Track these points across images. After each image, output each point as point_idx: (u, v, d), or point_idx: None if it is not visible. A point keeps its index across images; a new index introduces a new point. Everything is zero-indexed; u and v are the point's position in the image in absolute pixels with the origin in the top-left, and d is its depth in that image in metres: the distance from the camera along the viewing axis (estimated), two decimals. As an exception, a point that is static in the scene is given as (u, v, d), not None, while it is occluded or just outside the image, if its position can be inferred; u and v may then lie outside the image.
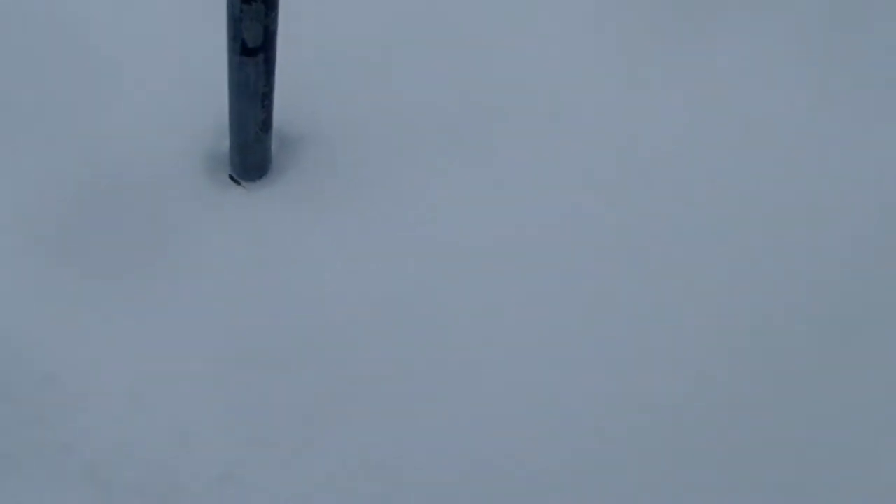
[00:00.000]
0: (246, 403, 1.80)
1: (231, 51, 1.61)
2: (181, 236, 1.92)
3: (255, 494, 1.73)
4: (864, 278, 2.04)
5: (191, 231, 1.93)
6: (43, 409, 1.75)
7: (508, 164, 2.12)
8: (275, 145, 2.00)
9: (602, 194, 2.08)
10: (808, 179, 2.16)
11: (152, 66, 2.12)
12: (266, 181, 2.02)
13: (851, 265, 2.05)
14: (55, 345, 1.80)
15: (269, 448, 1.77)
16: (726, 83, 2.28)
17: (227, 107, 1.80)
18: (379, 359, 1.86)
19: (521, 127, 2.17)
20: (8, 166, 1.98)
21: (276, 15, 1.54)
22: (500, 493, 1.76)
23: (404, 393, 1.83)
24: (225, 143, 1.99)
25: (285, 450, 1.77)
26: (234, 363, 1.82)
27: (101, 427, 1.74)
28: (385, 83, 2.19)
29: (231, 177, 2.01)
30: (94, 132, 2.01)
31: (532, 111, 2.19)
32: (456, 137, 2.14)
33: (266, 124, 1.82)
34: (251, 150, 1.90)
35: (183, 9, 2.19)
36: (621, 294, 1.97)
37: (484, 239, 2.01)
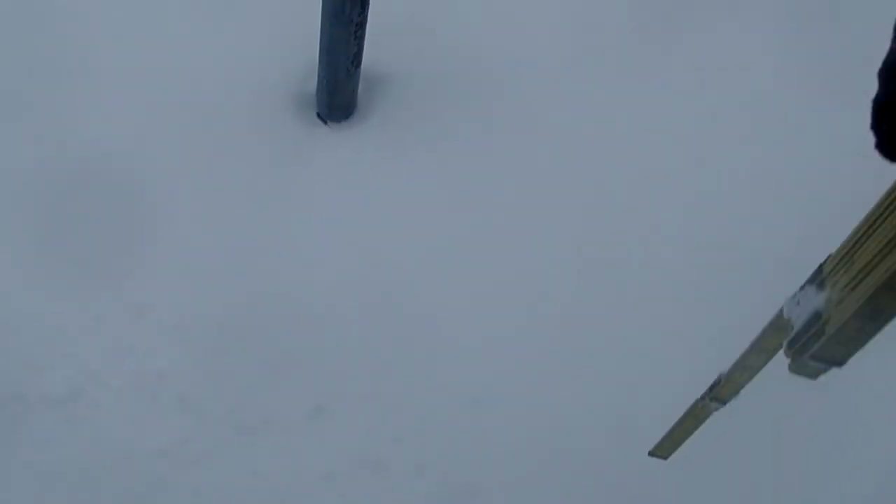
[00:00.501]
0: (340, 340, 1.80)
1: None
2: (270, 172, 1.93)
3: (346, 428, 1.73)
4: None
5: (278, 168, 1.94)
6: (135, 340, 1.77)
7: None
8: (361, 87, 1.99)
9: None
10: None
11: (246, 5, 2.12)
12: (351, 122, 2.01)
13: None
14: (148, 279, 1.82)
15: (359, 383, 1.77)
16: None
17: (318, 42, 1.79)
18: (456, 293, 1.86)
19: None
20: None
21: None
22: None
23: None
24: (313, 84, 1.98)
25: (375, 385, 1.77)
26: (325, 294, 1.83)
27: (193, 359, 1.76)
28: (478, 34, 2.15)
29: (318, 115, 2.00)
30: (190, 67, 2.02)
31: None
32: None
33: (357, 59, 1.80)
34: (340, 88, 1.89)
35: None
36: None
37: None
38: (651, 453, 1.65)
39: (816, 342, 1.11)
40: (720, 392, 1.49)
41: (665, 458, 1.64)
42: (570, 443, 1.75)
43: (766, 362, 1.38)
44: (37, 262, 1.79)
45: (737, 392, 1.50)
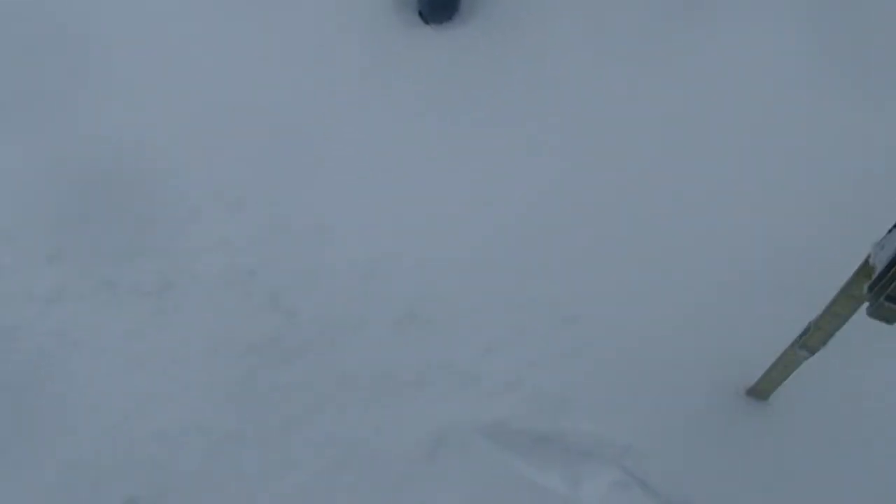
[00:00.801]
0: (432, 245, 1.80)
1: None
2: (371, 67, 1.93)
3: (437, 336, 1.73)
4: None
5: (378, 64, 1.93)
6: (229, 233, 1.79)
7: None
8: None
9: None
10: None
11: None
12: (452, 24, 1.97)
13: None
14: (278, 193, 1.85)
15: (451, 292, 1.76)
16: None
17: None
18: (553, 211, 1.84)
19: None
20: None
21: None
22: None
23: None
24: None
25: (469, 293, 1.76)
26: (419, 204, 1.84)
27: (286, 256, 1.77)
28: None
29: (420, 14, 1.96)
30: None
31: None
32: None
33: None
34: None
35: None
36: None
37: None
38: (749, 392, 1.68)
39: (894, 281, 1.11)
40: (808, 340, 1.49)
41: (764, 399, 1.67)
42: (660, 365, 1.71)
43: (853, 310, 1.36)
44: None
45: (825, 341, 1.46)
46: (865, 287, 1.24)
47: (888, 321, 1.20)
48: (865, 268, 1.27)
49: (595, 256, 1.79)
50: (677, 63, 1.98)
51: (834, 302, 1.42)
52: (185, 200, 1.82)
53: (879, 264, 1.19)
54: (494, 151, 1.88)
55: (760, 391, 1.67)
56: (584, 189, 1.84)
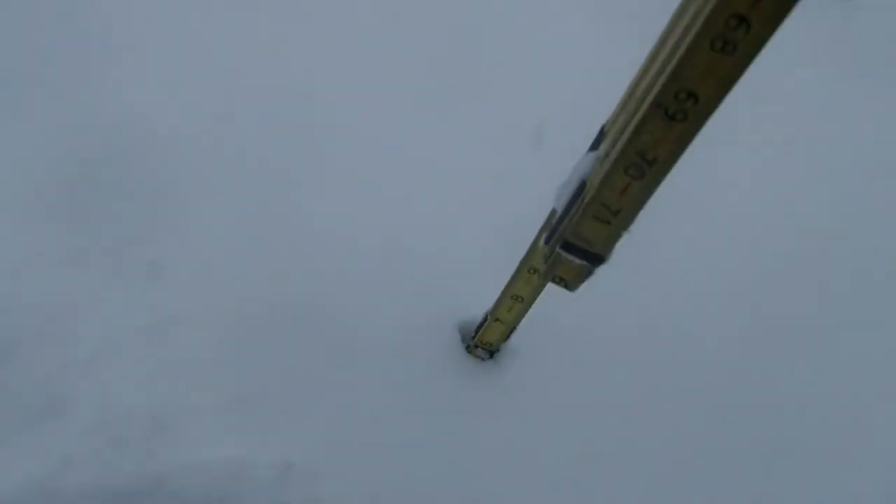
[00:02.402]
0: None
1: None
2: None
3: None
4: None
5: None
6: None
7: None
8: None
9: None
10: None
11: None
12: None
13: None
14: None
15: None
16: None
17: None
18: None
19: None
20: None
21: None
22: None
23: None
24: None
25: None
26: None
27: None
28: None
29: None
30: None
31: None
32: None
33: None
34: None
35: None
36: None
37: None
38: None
39: (575, 217, 0.96)
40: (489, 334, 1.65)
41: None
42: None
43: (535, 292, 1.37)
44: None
45: (508, 334, 1.59)
46: (542, 241, 1.12)
47: (567, 286, 1.04)
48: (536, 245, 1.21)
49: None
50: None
51: (511, 283, 1.42)
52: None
53: (560, 207, 1.04)
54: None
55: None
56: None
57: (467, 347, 1.82)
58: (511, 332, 1.67)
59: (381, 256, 2.00)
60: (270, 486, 1.71)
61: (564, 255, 0.99)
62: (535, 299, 1.47)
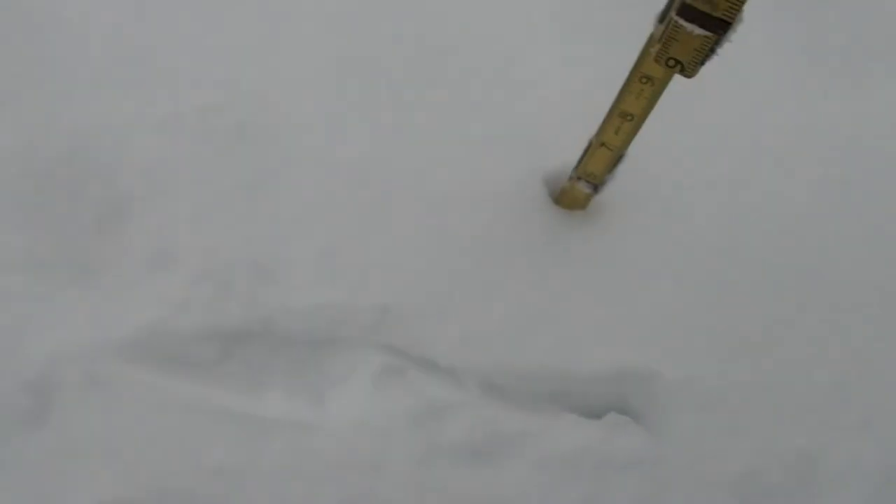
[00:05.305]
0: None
1: None
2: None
3: None
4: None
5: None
6: None
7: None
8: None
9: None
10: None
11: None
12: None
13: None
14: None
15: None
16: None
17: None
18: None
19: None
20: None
21: None
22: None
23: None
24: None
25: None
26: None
27: None
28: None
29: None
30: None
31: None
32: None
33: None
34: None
35: None
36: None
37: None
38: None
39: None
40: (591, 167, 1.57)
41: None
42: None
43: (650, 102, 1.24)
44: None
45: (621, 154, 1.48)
46: (656, 21, 0.97)
47: (684, 69, 0.95)
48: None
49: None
50: None
51: (620, 97, 1.26)
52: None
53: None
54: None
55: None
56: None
57: (557, 197, 1.82)
58: (618, 160, 1.52)
59: (469, 113, 2.01)
60: (369, 329, 1.78)
61: (683, 23, 0.83)
62: (646, 117, 1.31)
